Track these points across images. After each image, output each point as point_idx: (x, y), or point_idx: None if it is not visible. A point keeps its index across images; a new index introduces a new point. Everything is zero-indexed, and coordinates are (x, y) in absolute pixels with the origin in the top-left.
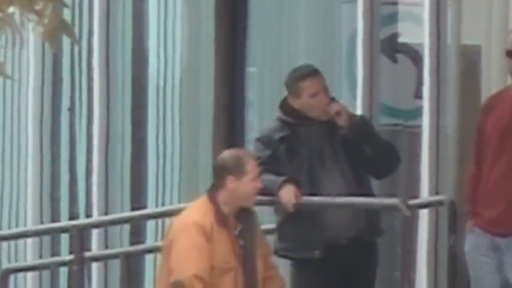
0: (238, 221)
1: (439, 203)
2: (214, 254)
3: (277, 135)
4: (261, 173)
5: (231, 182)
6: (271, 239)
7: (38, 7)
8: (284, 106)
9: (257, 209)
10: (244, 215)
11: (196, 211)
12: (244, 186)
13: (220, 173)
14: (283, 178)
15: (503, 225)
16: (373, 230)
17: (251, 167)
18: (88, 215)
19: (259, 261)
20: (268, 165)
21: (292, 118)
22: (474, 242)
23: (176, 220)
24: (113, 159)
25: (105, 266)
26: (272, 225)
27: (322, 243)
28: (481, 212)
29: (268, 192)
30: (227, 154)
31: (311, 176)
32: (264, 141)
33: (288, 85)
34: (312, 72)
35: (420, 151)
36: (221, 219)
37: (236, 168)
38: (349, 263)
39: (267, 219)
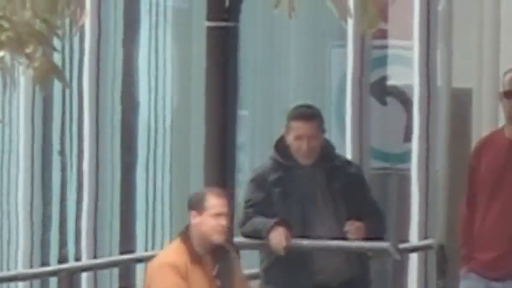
0: (215, 261)
1: (428, 247)
2: None
3: (272, 177)
4: (252, 215)
5: (193, 218)
6: (256, 284)
7: (28, 50)
8: (279, 145)
9: (243, 252)
10: (220, 254)
11: (170, 252)
12: (205, 222)
13: (188, 209)
14: (273, 220)
15: (500, 269)
16: (364, 276)
17: (212, 204)
18: (77, 258)
19: None
20: (260, 207)
21: (286, 160)
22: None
23: (151, 263)
24: (102, 202)
25: None
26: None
27: (311, 287)
28: (477, 257)
29: (259, 235)
30: (195, 192)
31: (303, 218)
32: (258, 182)
33: (286, 118)
34: (304, 116)
35: (410, 194)
36: (195, 258)
37: (197, 204)
38: None
39: (255, 263)
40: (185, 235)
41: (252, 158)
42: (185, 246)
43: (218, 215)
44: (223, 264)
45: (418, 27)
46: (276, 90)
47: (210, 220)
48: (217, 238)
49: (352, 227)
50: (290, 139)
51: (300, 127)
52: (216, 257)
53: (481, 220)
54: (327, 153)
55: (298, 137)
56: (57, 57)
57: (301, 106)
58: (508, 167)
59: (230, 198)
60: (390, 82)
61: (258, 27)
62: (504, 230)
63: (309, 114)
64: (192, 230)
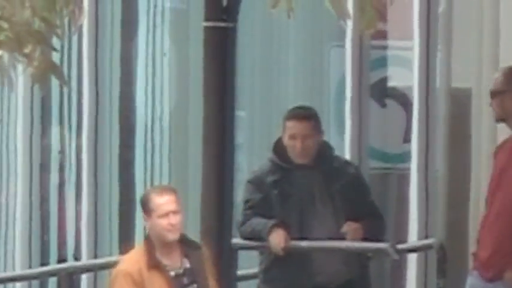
0: (184, 256)
1: (428, 247)
2: None
3: (270, 179)
4: (250, 217)
5: (144, 221)
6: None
7: (27, 50)
8: (277, 147)
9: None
10: (190, 249)
11: (128, 259)
12: (154, 224)
13: None
14: (272, 222)
15: (492, 268)
16: (363, 277)
17: (157, 204)
18: (77, 258)
19: None
20: (258, 208)
21: (284, 161)
22: (471, 285)
23: (112, 271)
24: (101, 202)
25: None
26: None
27: None
28: (478, 254)
29: (258, 237)
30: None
31: (301, 219)
32: (256, 183)
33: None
34: (298, 115)
35: (409, 194)
36: (152, 262)
37: (144, 206)
38: None
39: (254, 263)
40: (148, 237)
41: (250, 158)
42: (145, 248)
43: (165, 214)
44: (195, 259)
45: (418, 28)
46: (274, 91)
47: (159, 221)
48: (171, 236)
49: (349, 228)
50: (286, 139)
51: (293, 127)
52: (185, 252)
53: (484, 219)
54: (325, 155)
55: (292, 137)
56: (55, 57)
57: (298, 107)
58: (507, 168)
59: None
60: (389, 83)
61: (257, 27)
62: (497, 230)
63: (303, 115)
64: (150, 232)
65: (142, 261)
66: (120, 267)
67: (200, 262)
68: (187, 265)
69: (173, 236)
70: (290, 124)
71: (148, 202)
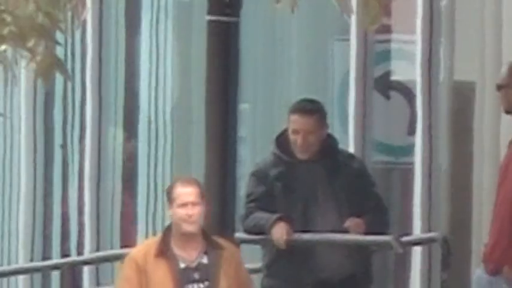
0: (206, 255)
1: (431, 240)
2: (149, 285)
3: (273, 172)
4: (254, 210)
5: (168, 210)
6: (257, 278)
7: (30, 44)
8: (280, 140)
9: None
10: (211, 249)
11: (141, 245)
12: (174, 213)
13: None
14: (275, 216)
15: (493, 262)
16: (366, 271)
17: (178, 193)
18: (79, 252)
19: None
20: (261, 201)
21: (287, 154)
22: (477, 276)
23: (114, 264)
24: (104, 196)
25: None
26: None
27: (313, 282)
28: (485, 246)
29: (261, 231)
30: None
31: (304, 213)
32: (260, 176)
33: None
34: (302, 110)
35: (413, 188)
36: (160, 250)
37: (168, 195)
38: None
39: (257, 257)
40: (169, 226)
41: (253, 151)
42: (161, 236)
43: (184, 204)
44: (214, 258)
45: (421, 22)
46: (277, 84)
47: (178, 211)
48: (187, 227)
49: (352, 223)
50: (289, 132)
51: (296, 121)
52: (206, 249)
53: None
54: (329, 148)
55: (294, 131)
56: (59, 51)
57: (303, 100)
58: (508, 163)
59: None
60: (393, 76)
61: (260, 21)
62: (498, 224)
63: (307, 109)
64: (172, 222)
65: (153, 247)
66: (130, 251)
67: (218, 262)
68: (204, 261)
69: (189, 228)
70: (293, 118)
71: (172, 191)
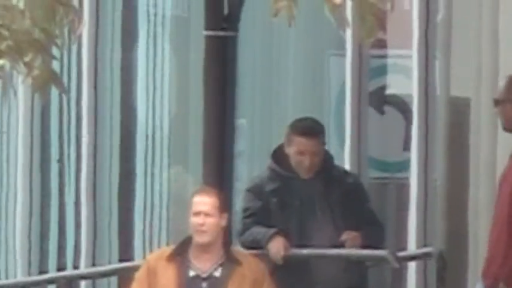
0: (221, 268)
1: (427, 255)
2: (156, 287)
3: (269, 187)
4: (250, 225)
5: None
6: None
7: (27, 59)
8: (277, 154)
9: None
10: (228, 263)
11: (161, 249)
12: (190, 221)
13: None
14: (272, 230)
15: (488, 277)
16: (362, 286)
17: (193, 202)
18: (76, 266)
19: None
20: (258, 216)
21: (284, 170)
22: None
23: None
24: (101, 210)
25: None
26: None
27: None
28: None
29: (258, 245)
30: None
31: (300, 228)
32: (255, 191)
33: (288, 128)
34: (309, 132)
35: (408, 203)
36: (173, 255)
37: (189, 204)
38: None
39: None
40: (190, 235)
41: (250, 166)
42: (179, 243)
43: (197, 213)
44: (228, 273)
45: (417, 37)
46: (274, 99)
47: (191, 219)
48: (197, 237)
49: (349, 236)
50: (291, 152)
51: (303, 143)
52: (222, 262)
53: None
54: (325, 164)
55: (300, 153)
56: (55, 66)
57: (306, 119)
58: (507, 176)
59: (224, 198)
60: (389, 91)
61: (257, 35)
62: (493, 239)
63: (314, 131)
64: None
65: (168, 252)
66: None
67: (231, 276)
68: (217, 274)
69: (198, 237)
70: (300, 139)
71: (191, 199)
